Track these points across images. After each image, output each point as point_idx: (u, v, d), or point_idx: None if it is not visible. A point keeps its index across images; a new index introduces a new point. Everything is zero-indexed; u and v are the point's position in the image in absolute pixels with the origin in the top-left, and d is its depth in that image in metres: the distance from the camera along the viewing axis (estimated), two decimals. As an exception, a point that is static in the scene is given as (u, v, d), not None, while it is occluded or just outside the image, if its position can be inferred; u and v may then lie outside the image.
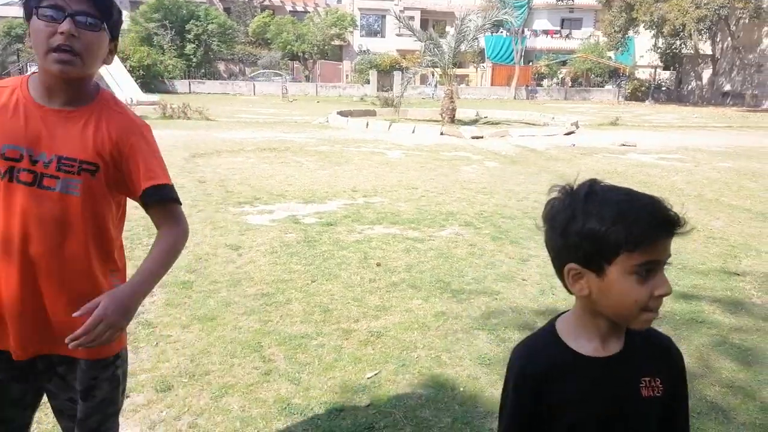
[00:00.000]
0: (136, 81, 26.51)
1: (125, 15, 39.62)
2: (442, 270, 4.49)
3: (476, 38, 19.88)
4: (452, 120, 17.37)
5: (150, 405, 2.56)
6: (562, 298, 3.98)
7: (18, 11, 43.26)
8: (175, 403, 2.58)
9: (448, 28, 36.88)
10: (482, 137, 14.34)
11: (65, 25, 1.31)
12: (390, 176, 8.71)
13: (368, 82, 36.61)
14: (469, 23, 17.90)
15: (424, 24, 40.68)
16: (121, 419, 2.44)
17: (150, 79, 32.70)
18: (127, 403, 2.56)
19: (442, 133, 14.87)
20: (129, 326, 3.20)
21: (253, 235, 5.35)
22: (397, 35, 42.27)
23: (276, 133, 14.62)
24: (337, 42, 41.42)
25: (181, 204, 1.56)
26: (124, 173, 1.45)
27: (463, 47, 18.38)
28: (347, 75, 41.48)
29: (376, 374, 2.91)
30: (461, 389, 2.80)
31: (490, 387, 2.82)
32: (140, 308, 3.54)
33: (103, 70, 25.17)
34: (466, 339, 3.33)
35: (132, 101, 18.62)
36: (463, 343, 3.28)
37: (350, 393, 2.72)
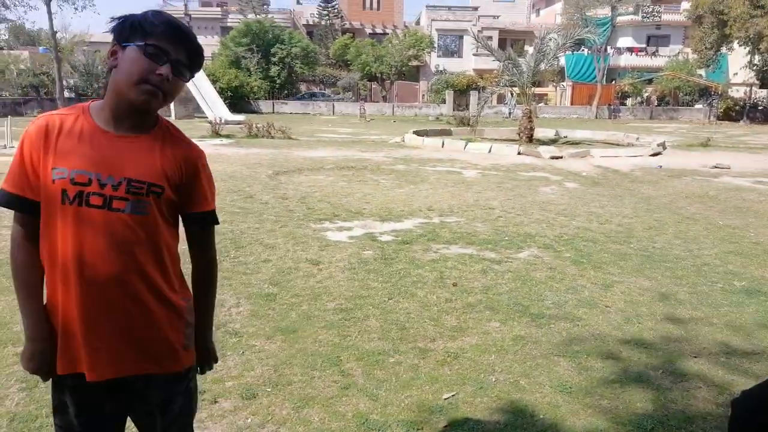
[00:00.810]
0: (224, 102, 27.98)
1: (216, 40, 42.18)
2: (521, 293, 4.41)
3: (557, 57, 19.54)
4: (530, 140, 17.09)
5: (236, 411, 2.68)
6: (648, 327, 3.80)
7: (122, 38, 46.96)
8: (259, 411, 2.69)
9: (527, 47, 36.45)
10: (562, 157, 13.99)
11: (165, 70, 1.43)
12: (466, 196, 8.68)
13: (444, 101, 36.72)
14: (549, 42, 17.63)
15: (502, 43, 40.46)
16: (209, 424, 2.58)
17: (237, 100, 34.47)
18: (214, 409, 2.70)
19: (519, 153, 14.65)
20: (216, 335, 3.38)
21: (332, 251, 5.49)
22: (474, 55, 42.26)
23: (354, 152, 14.95)
24: (414, 62, 41.93)
25: (218, 223, 1.67)
26: (183, 195, 1.55)
27: (542, 66, 18.13)
28: (423, 95, 41.86)
29: (453, 395, 2.90)
30: (541, 416, 2.74)
31: (572, 416, 2.74)
32: (227, 318, 3.73)
33: (195, 92, 26.85)
34: (546, 365, 3.25)
35: (221, 121, 19.65)
36: (543, 369, 3.20)
37: (427, 413, 2.73)
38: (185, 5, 44.43)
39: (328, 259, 5.19)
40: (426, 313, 3.96)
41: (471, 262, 5.18)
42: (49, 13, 31.33)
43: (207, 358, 1.75)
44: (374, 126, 27.32)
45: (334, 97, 39.96)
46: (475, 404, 2.83)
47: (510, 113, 32.18)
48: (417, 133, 18.81)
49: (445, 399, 2.86)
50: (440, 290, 4.44)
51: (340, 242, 5.83)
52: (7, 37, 51.72)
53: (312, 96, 40.09)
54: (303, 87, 42.64)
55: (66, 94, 34.32)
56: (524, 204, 8.05)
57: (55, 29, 33.21)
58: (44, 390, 2.81)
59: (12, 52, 41.18)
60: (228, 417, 2.64)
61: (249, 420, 2.62)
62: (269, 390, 2.88)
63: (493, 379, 3.07)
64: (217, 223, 1.65)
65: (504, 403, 2.86)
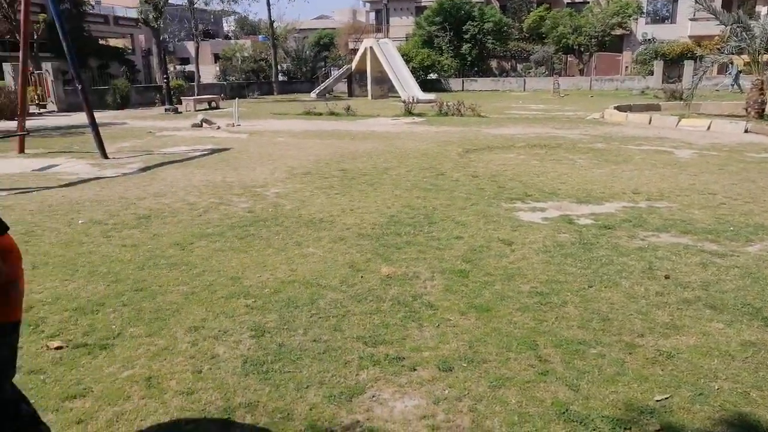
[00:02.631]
0: (416, 81, 28.71)
1: (410, 20, 43.27)
2: (751, 292, 3.82)
3: (804, 16, 16.30)
4: (761, 115, 14.64)
5: (433, 381, 2.76)
6: None
7: (325, 23, 50.84)
8: (456, 385, 2.73)
9: (760, 8, 31.08)
10: (804, 136, 11.76)
11: None
12: (679, 178, 7.77)
13: (651, 73, 33.22)
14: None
15: (726, 5, 35.03)
16: (408, 389, 2.69)
17: (428, 79, 35.16)
18: (413, 376, 2.81)
19: (747, 131, 12.67)
20: (412, 305, 3.48)
21: (525, 231, 5.33)
22: (691, 19, 37.31)
23: (547, 129, 14.31)
24: (617, 31, 38.47)
25: None
26: None
27: (782, 28, 15.26)
28: (626, 67, 38.29)
29: (666, 398, 2.62)
30: (779, 438, 2.35)
31: (822, 444, 2.30)
32: (423, 290, 3.85)
33: (390, 72, 27.94)
34: (786, 379, 2.77)
35: (413, 100, 20.22)
36: (782, 383, 2.74)
37: (636, 413, 2.51)
38: (383, -12, 46.27)
39: (521, 240, 5.05)
40: (633, 306, 3.64)
41: (686, 254, 4.62)
42: (268, 4, 35.14)
43: None
44: (569, 101, 25.80)
45: (524, 73, 38.57)
46: (693, 411, 2.53)
47: (733, 85, 27.92)
48: (619, 108, 17.33)
49: (658, 401, 2.60)
50: (649, 282, 4.04)
51: (534, 223, 5.63)
52: (234, 28, 59.22)
53: (503, 73, 39.22)
54: (493, 63, 41.87)
55: (279, 77, 38.31)
56: (754, 190, 6.94)
57: (272, 19, 37.14)
58: (269, 339, 3.19)
59: (238, 41, 47.10)
60: (426, 386, 2.73)
61: (446, 392, 2.67)
62: (465, 365, 2.91)
63: (716, 387, 2.71)
64: None
65: (729, 415, 2.51)
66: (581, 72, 39.13)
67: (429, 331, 3.31)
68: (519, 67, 40.73)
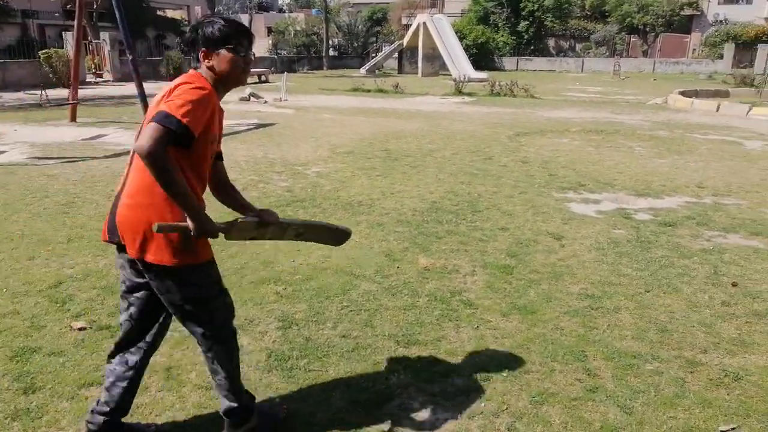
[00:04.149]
0: (469, 59, 27.93)
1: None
2: (834, 308, 3.40)
3: None
4: (844, 105, 13.47)
5: (469, 393, 2.52)
6: None
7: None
8: (494, 398, 2.49)
9: None
10: None
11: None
12: (750, 173, 7.17)
13: (721, 57, 31.30)
14: None
15: (812, -17, 32.49)
16: (440, 399, 2.48)
17: (482, 57, 34.23)
18: (446, 385, 2.59)
19: (827, 123, 11.65)
20: (451, 302, 3.25)
21: (577, 225, 4.98)
22: (770, -1, 34.77)
23: (604, 113, 13.61)
24: (687, 11, 36.32)
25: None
26: None
27: None
28: (694, 49, 36.18)
29: (733, 429, 2.32)
30: None
31: None
32: (462, 285, 3.60)
33: (442, 49, 27.30)
34: None
35: (465, 78, 19.64)
36: None
37: (697, 445, 2.22)
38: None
39: (572, 235, 4.71)
40: (695, 316, 3.29)
41: (757, 259, 4.19)
42: (322, -24, 34.69)
43: None
44: (630, 84, 24.60)
45: (583, 54, 37.04)
46: (766, 449, 2.21)
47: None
48: (684, 93, 16.33)
49: (722, 432, 2.30)
50: (714, 289, 3.67)
51: (587, 216, 5.27)
52: (288, 1, 59.16)
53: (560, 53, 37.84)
54: (551, 42, 40.38)
55: (330, 52, 38.07)
56: (836, 189, 6.31)
57: (325, -8, 36.73)
58: (296, 332, 3.03)
59: (291, 14, 47.04)
60: (460, 397, 2.50)
61: (483, 405, 2.44)
62: (504, 375, 2.66)
63: (793, 420, 2.38)
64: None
65: (809, 456, 2.18)
66: (645, 54, 37.26)
67: (467, 332, 3.07)
68: (578, 46, 39.14)
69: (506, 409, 2.42)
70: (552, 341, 2.99)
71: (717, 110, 13.85)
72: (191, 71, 1.95)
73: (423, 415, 2.38)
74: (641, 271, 3.96)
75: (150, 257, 1.86)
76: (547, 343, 2.96)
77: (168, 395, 2.45)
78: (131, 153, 1.91)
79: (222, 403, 2.13)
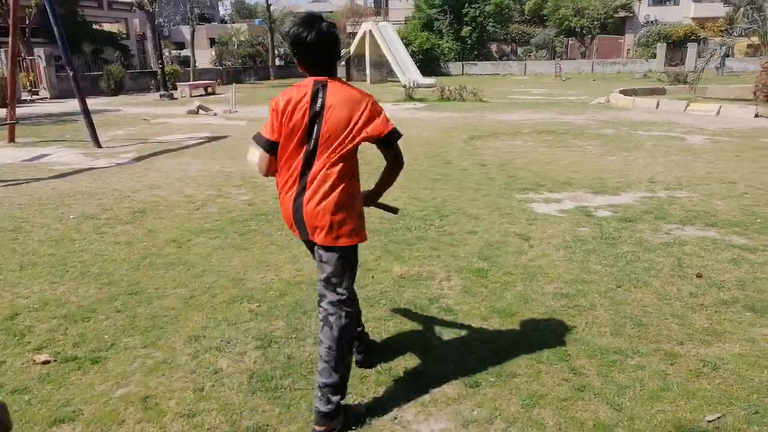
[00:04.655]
0: (416, 65, 28.20)
1: (410, 3, 42.57)
2: (791, 292, 3.56)
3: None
4: (771, 99, 14.32)
5: (460, 400, 2.50)
6: None
7: (323, 6, 49.97)
8: (485, 404, 2.47)
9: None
10: (818, 121, 11.47)
11: None
12: (695, 166, 7.49)
13: (654, 56, 32.77)
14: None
15: (732, -15, 34.49)
16: (432, 409, 2.43)
17: (427, 63, 34.61)
18: (437, 394, 2.55)
19: (757, 115, 12.37)
20: (430, 309, 3.21)
21: (542, 225, 5.05)
22: (694, 1, 36.78)
23: (552, 114, 13.99)
24: (620, 14, 37.94)
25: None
26: None
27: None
28: (628, 50, 37.81)
29: (718, 418, 2.37)
30: None
31: None
32: (439, 292, 3.58)
33: (389, 56, 27.44)
34: None
35: (414, 84, 19.81)
36: (844, 399, 2.49)
37: (688, 436, 2.26)
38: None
39: (539, 235, 4.78)
40: (667, 309, 3.38)
41: (716, 249, 4.36)
42: (265, -13, 34.32)
43: None
44: (571, 85, 25.42)
45: (525, 57, 38.08)
46: (751, 434, 2.28)
47: (719, 68, 27.39)
48: (624, 92, 16.98)
49: (710, 422, 2.35)
50: (681, 281, 3.78)
51: (550, 216, 5.36)
52: (230, 11, 58.31)
53: (503, 57, 38.75)
54: (494, 47, 41.31)
55: (277, 62, 37.65)
56: (775, 178, 6.67)
57: (269, 2, 36.38)
58: (276, 350, 2.92)
59: (234, 25, 46.26)
60: (452, 405, 2.47)
61: (475, 412, 2.41)
62: (492, 380, 2.65)
63: (772, 404, 2.46)
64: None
65: (791, 438, 2.26)
66: (583, 55, 38.64)
67: (450, 339, 3.04)
68: (519, 50, 40.21)
69: (499, 415, 2.40)
70: (535, 342, 3.00)
71: (657, 107, 14.47)
72: (350, 85, 2.30)
73: (417, 426, 2.33)
74: (610, 267, 4.05)
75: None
76: (530, 345, 2.97)
77: (148, 426, 2.31)
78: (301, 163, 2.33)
79: (325, 375, 2.28)
